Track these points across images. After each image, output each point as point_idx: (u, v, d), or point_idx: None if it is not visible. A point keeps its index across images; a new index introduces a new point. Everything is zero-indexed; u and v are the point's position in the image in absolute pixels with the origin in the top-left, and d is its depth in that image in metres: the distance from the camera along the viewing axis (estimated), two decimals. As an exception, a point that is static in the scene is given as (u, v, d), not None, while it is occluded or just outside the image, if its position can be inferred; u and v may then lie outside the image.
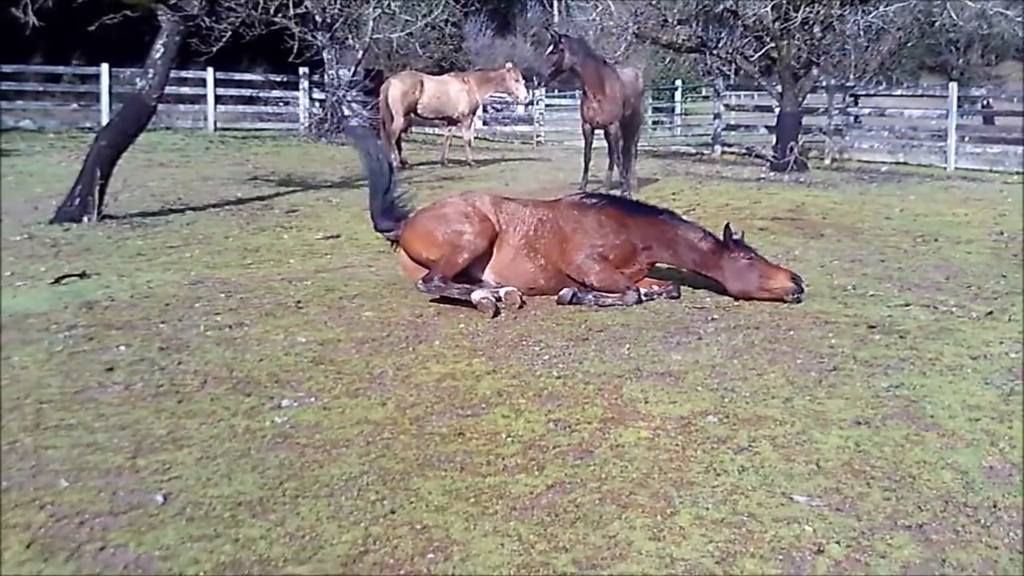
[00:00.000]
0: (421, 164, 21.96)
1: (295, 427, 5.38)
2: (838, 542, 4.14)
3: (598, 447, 5.14)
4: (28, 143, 23.16)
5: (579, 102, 16.89)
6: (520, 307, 8.04)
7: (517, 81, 21.74)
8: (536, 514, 4.36)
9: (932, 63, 54.81)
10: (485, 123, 34.29)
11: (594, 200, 8.91)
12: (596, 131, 16.78)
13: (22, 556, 3.95)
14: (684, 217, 9.22)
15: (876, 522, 4.34)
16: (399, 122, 21.34)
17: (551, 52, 16.09)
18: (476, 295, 7.95)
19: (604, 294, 8.26)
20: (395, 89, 21.41)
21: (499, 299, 8.05)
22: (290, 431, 5.32)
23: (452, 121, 22.09)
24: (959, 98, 23.58)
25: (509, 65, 22.66)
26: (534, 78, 17.99)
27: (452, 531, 4.19)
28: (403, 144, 22.28)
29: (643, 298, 8.36)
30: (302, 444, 5.13)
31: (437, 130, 26.88)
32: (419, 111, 21.58)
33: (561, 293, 8.29)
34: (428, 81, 21.84)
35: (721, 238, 8.46)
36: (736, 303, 8.32)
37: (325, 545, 4.05)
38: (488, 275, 8.43)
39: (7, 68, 26.89)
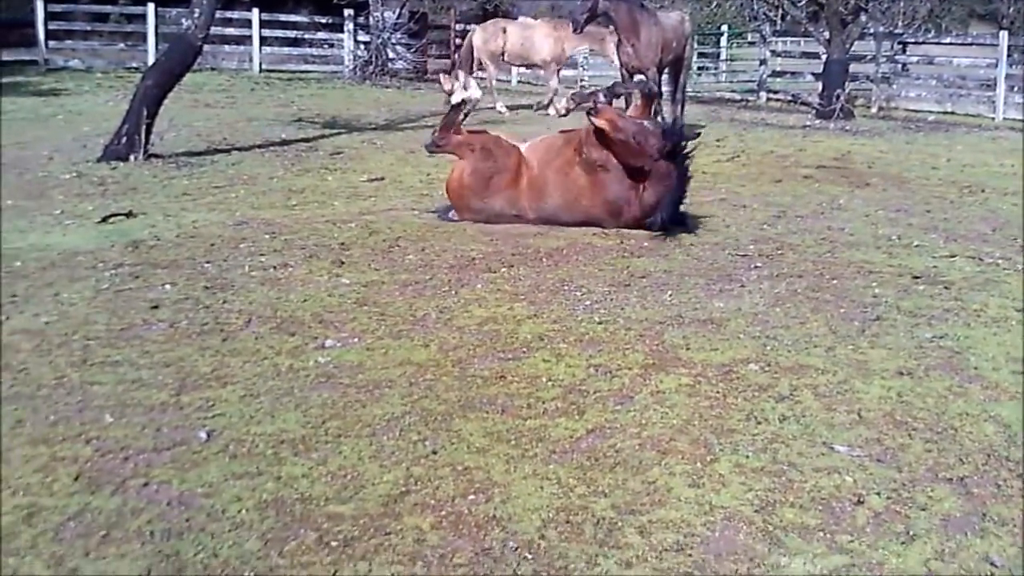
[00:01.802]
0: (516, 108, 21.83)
1: (338, 367, 5.42)
2: (878, 493, 4.13)
3: (638, 393, 5.14)
4: (76, 82, 23.29)
5: (615, 47, 16.75)
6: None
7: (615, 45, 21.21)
8: (576, 458, 4.38)
9: (982, 11, 53.83)
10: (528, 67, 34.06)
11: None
12: (634, 77, 16.63)
13: (70, 488, 4.02)
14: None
15: (917, 474, 4.33)
16: (491, 71, 21.28)
17: None
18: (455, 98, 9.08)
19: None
20: (477, 38, 21.44)
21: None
22: (333, 371, 5.37)
23: (538, 68, 21.84)
24: (1009, 47, 23.18)
25: (610, 28, 22.17)
26: (570, 24, 17.71)
27: (493, 473, 4.22)
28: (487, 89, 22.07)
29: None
30: (345, 384, 5.18)
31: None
32: (504, 58, 21.41)
33: None
34: (512, 27, 21.62)
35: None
36: (780, 251, 8.26)
37: (367, 484, 4.10)
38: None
39: (56, 7, 27.01)
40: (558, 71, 21.58)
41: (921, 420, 4.89)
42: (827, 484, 4.20)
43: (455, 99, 9.23)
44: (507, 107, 21.17)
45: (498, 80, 23.42)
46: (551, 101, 19.71)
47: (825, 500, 4.06)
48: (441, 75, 10.05)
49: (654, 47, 16.10)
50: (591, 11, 15.85)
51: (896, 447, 4.58)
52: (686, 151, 8.65)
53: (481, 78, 21.24)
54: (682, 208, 9.07)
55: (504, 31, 21.19)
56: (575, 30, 16.64)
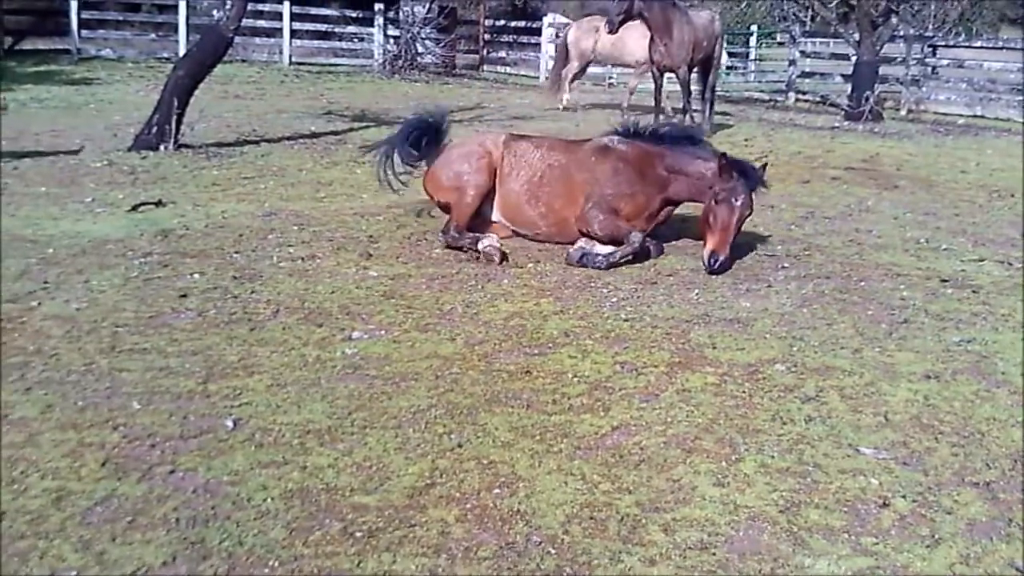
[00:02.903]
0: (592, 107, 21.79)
1: (365, 359, 5.44)
2: (904, 496, 4.12)
3: (664, 391, 5.14)
4: (108, 72, 23.39)
5: (647, 45, 16.67)
6: (500, 262, 7.55)
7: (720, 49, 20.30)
8: (601, 454, 4.39)
9: (1013, 15, 53.36)
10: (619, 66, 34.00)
11: (622, 144, 8.20)
12: (666, 75, 16.63)
13: (97, 473, 4.05)
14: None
15: (943, 478, 4.32)
16: (572, 66, 21.14)
17: None
18: (482, 244, 7.67)
19: (614, 252, 7.61)
20: (571, 34, 21.30)
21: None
22: (360, 362, 5.39)
23: (630, 67, 21.40)
24: (1039, 52, 23.01)
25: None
26: (605, 24, 17.58)
27: (518, 467, 4.23)
28: (574, 88, 21.76)
29: (646, 243, 7.79)
30: (371, 376, 5.20)
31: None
32: (595, 57, 21.22)
33: (569, 253, 7.74)
34: (605, 26, 21.31)
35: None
36: (808, 252, 8.24)
37: (392, 476, 4.12)
38: (496, 214, 8.37)
39: (88, -3, 27.16)
40: (642, 72, 20.70)
41: (948, 424, 4.87)
42: (852, 486, 4.19)
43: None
44: (581, 105, 20.95)
45: (584, 77, 23.06)
46: (626, 101, 19.66)
47: (850, 502, 4.06)
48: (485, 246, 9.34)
49: (686, 46, 16.09)
50: (627, 11, 15.82)
51: (922, 450, 4.57)
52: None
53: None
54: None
55: (597, 30, 20.86)
56: (610, 31, 16.52)
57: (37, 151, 11.67)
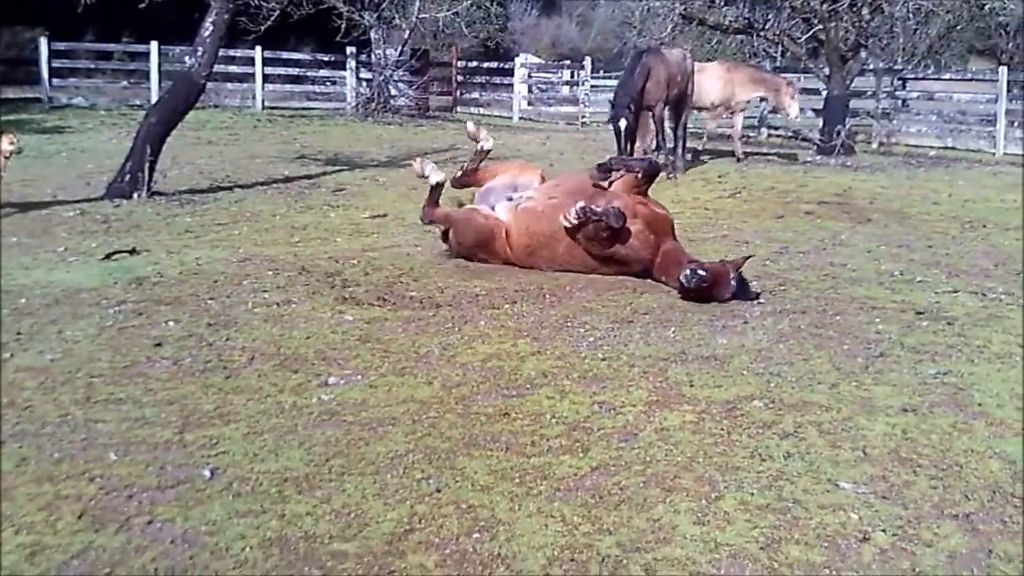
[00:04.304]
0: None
1: (341, 404, 5.42)
2: (884, 530, 4.12)
3: (643, 430, 5.14)
4: (80, 120, 23.40)
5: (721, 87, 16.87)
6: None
7: (792, 98, 19.68)
8: (580, 496, 4.37)
9: (981, 47, 53.89)
10: (530, 103, 34.22)
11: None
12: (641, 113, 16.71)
13: (74, 526, 4.01)
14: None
15: (922, 511, 4.32)
16: (657, 111, 20.25)
17: None
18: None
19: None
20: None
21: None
22: (336, 408, 5.36)
23: (707, 111, 20.48)
24: (1009, 82, 23.27)
25: (791, 79, 21.15)
26: (745, 67, 17.73)
27: (497, 511, 4.21)
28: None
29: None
30: (348, 421, 5.17)
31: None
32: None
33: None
34: None
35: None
36: (783, 287, 8.27)
37: (371, 522, 4.09)
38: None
39: (60, 45, 27.20)
40: (718, 115, 20.03)
41: (926, 457, 4.88)
42: (832, 521, 4.19)
43: (431, 181, 9.46)
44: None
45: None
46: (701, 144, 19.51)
47: (831, 537, 4.05)
48: (413, 160, 10.25)
49: (662, 85, 16.22)
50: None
51: (901, 484, 4.57)
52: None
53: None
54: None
55: None
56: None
57: (8, 202, 11.61)
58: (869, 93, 24.71)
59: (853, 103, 23.18)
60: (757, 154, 20.40)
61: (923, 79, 26.98)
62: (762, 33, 23.74)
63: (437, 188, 9.40)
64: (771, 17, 24.19)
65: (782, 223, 11.85)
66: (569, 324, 7.09)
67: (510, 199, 9.12)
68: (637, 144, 16.42)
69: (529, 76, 34.85)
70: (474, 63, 36.70)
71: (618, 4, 34.74)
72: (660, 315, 7.36)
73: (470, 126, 10.26)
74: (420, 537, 3.98)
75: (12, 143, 10.88)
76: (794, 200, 13.80)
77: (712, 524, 4.14)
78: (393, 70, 29.68)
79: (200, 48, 13.50)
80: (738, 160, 18.90)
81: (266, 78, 29.65)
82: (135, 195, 12.46)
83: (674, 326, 7.07)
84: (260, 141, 21.01)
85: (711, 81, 19.16)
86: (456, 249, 9.19)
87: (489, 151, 9.88)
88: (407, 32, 30.30)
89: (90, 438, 4.89)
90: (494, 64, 35.67)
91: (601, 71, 34.84)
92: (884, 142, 23.79)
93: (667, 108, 16.81)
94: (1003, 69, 24.26)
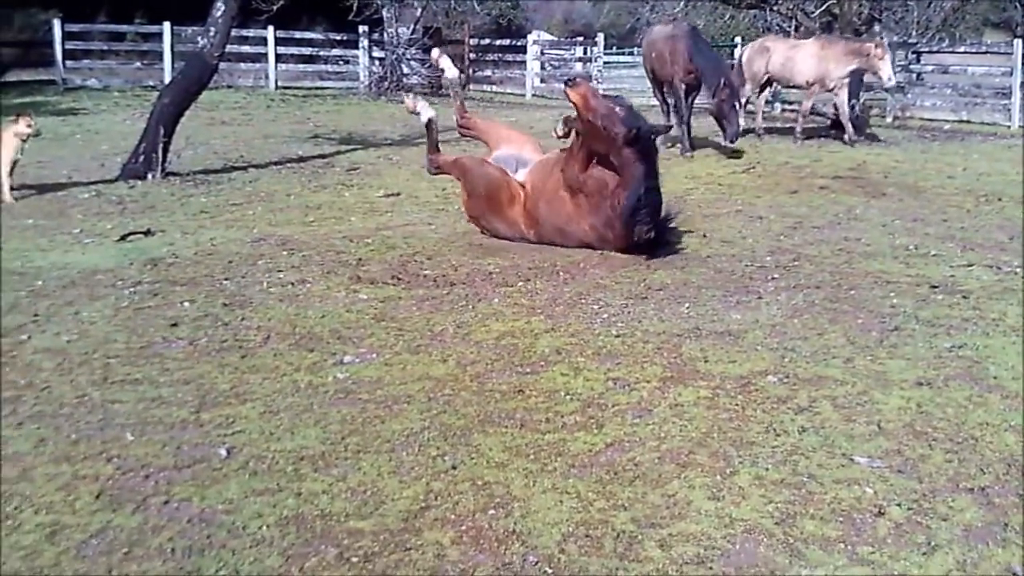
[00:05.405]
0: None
1: (357, 383, 5.44)
2: (899, 504, 4.12)
3: (657, 406, 5.14)
4: (94, 101, 23.45)
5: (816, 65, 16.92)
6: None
7: (882, 59, 18.38)
8: (595, 472, 4.38)
9: (996, 19, 53.48)
10: (543, 80, 34.13)
11: None
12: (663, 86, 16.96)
13: (92, 506, 4.04)
14: None
15: (938, 484, 4.31)
16: (745, 88, 19.59)
17: None
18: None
19: None
20: (744, 57, 20.22)
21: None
22: (352, 387, 5.38)
23: (802, 88, 19.78)
24: (1024, 55, 23.10)
25: (879, 40, 19.80)
26: (840, 42, 17.55)
27: (512, 487, 4.23)
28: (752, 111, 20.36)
29: None
30: (364, 400, 5.19)
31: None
32: (767, 78, 19.84)
33: None
34: (777, 45, 20.05)
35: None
36: (797, 262, 8.25)
37: (386, 500, 4.11)
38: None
39: (74, 27, 27.22)
40: (813, 93, 19.06)
41: (941, 430, 4.87)
42: (847, 496, 4.19)
43: (423, 118, 9.65)
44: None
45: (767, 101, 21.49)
46: (798, 125, 18.94)
47: (846, 512, 4.05)
48: (405, 95, 10.26)
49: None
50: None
51: (916, 458, 4.57)
52: (651, 141, 8.50)
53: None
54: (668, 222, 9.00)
55: (767, 50, 19.96)
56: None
57: (24, 184, 11.65)
58: (884, 66, 24.51)
59: (867, 77, 23.02)
60: (772, 129, 20.23)
61: (938, 52, 26.79)
62: (775, 8, 23.61)
63: (432, 129, 9.56)
64: (785, -9, 24.04)
65: (796, 198, 11.81)
66: (583, 301, 7.09)
67: (515, 170, 9.13)
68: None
69: (542, 53, 34.74)
70: (486, 40, 36.63)
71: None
72: (674, 291, 7.36)
73: (408, 100, 10.17)
74: (436, 514, 4.00)
75: (30, 126, 10.94)
76: (808, 175, 13.74)
77: (727, 499, 4.15)
78: (405, 49, 29.62)
79: (212, 29, 13.51)
80: (851, 144, 18.20)
81: (279, 58, 29.63)
82: (149, 176, 12.50)
83: (688, 302, 7.06)
84: (273, 121, 21.03)
85: (805, 59, 18.75)
86: (464, 203, 9.26)
87: (433, 119, 9.83)
88: (419, 10, 30.26)
89: (107, 418, 4.92)
90: (506, 41, 35.62)
91: (614, 47, 34.73)
92: (899, 116, 23.65)
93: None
94: (1018, 42, 24.02)
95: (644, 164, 8.23)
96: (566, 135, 8.87)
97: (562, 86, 8.66)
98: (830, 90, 18.55)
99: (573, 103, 8.39)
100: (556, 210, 8.64)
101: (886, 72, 18.04)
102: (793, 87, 19.84)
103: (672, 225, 9.12)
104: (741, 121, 17.42)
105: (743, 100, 19.38)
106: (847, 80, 18.36)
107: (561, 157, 8.76)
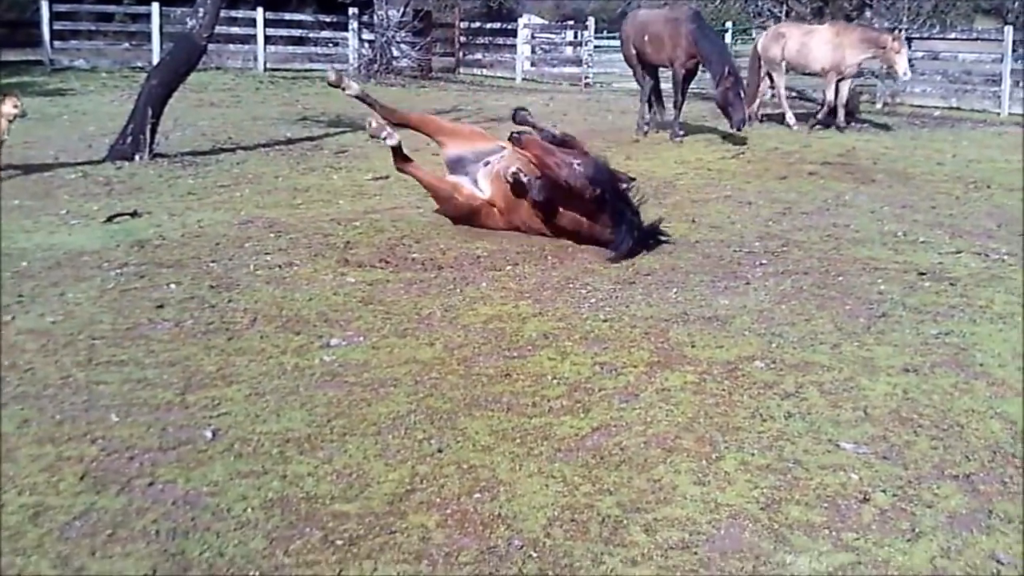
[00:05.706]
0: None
1: (343, 366, 5.43)
2: (884, 490, 4.13)
3: (644, 391, 5.14)
4: (82, 82, 23.33)
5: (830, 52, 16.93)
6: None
7: (899, 53, 18.01)
8: (581, 456, 4.38)
9: (987, 6, 53.47)
10: (533, 64, 34.09)
11: None
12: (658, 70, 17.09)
13: (76, 487, 4.02)
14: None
15: (923, 471, 4.32)
16: (753, 78, 19.53)
17: None
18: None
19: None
20: (760, 43, 19.96)
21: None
22: (338, 370, 5.37)
23: (818, 76, 19.49)
24: (1014, 42, 23.02)
25: (897, 33, 19.24)
26: (855, 29, 17.44)
27: (498, 471, 4.22)
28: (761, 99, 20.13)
29: None
30: (350, 383, 5.18)
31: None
32: (783, 65, 19.43)
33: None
34: (792, 32, 19.66)
35: None
36: (785, 248, 8.26)
37: (372, 483, 4.10)
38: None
39: (61, 7, 27.07)
40: (833, 80, 18.49)
41: (927, 417, 4.88)
42: (833, 482, 4.19)
43: (349, 93, 9.53)
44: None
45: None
46: (820, 114, 18.71)
47: (831, 498, 4.06)
48: (330, 68, 10.17)
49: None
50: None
51: (902, 444, 4.58)
52: (626, 192, 8.25)
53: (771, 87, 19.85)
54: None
55: (783, 36, 19.61)
56: None
57: (10, 164, 11.59)
58: (874, 53, 24.49)
59: (879, 67, 22.97)
60: (767, 115, 20.20)
61: (928, 39, 26.75)
62: (766, -8, 23.56)
63: (398, 149, 9.08)
64: (776, -24, 24.03)
65: (785, 184, 11.81)
66: (571, 285, 7.08)
67: (487, 164, 8.76)
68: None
69: (532, 37, 34.69)
70: (477, 24, 36.55)
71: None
72: (662, 276, 7.36)
73: (330, 74, 9.85)
74: (421, 497, 3.99)
75: (16, 106, 10.87)
76: (797, 161, 13.74)
77: (712, 484, 4.15)
78: (395, 31, 29.51)
79: (201, 9, 13.44)
80: (840, 129, 18.00)
81: (268, 40, 29.50)
82: (137, 157, 12.44)
83: (676, 287, 7.06)
84: (262, 103, 20.95)
85: (820, 45, 18.48)
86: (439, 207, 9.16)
87: (396, 146, 9.10)
88: (409, -8, 30.15)
89: (92, 400, 4.90)
90: (497, 25, 35.49)
91: (604, 31, 34.66)
92: (888, 102, 23.65)
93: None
94: (1009, 29, 24.04)
95: (619, 201, 8.09)
96: (515, 182, 8.30)
97: (549, 68, 8.54)
98: (844, 77, 18.38)
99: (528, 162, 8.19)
100: (536, 224, 8.53)
101: (902, 66, 17.80)
102: (808, 74, 19.62)
103: (662, 212, 9.10)
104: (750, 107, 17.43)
105: (782, 93, 19.43)
106: (859, 67, 18.25)
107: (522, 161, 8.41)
